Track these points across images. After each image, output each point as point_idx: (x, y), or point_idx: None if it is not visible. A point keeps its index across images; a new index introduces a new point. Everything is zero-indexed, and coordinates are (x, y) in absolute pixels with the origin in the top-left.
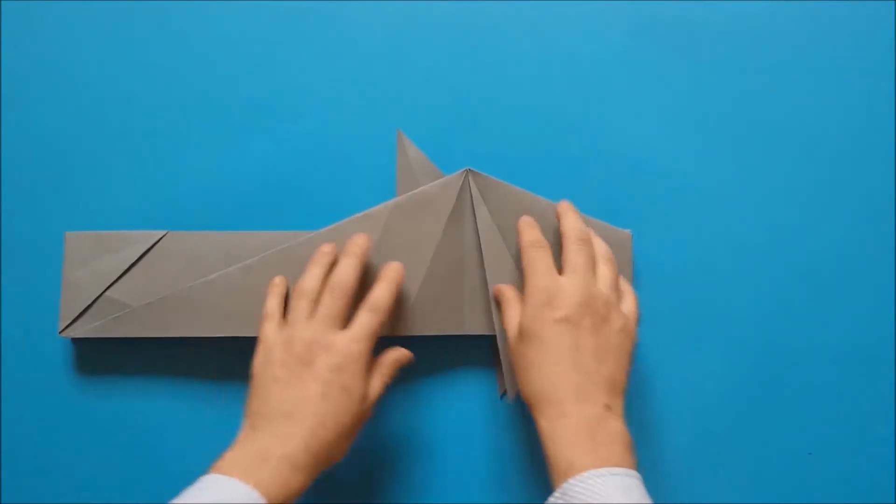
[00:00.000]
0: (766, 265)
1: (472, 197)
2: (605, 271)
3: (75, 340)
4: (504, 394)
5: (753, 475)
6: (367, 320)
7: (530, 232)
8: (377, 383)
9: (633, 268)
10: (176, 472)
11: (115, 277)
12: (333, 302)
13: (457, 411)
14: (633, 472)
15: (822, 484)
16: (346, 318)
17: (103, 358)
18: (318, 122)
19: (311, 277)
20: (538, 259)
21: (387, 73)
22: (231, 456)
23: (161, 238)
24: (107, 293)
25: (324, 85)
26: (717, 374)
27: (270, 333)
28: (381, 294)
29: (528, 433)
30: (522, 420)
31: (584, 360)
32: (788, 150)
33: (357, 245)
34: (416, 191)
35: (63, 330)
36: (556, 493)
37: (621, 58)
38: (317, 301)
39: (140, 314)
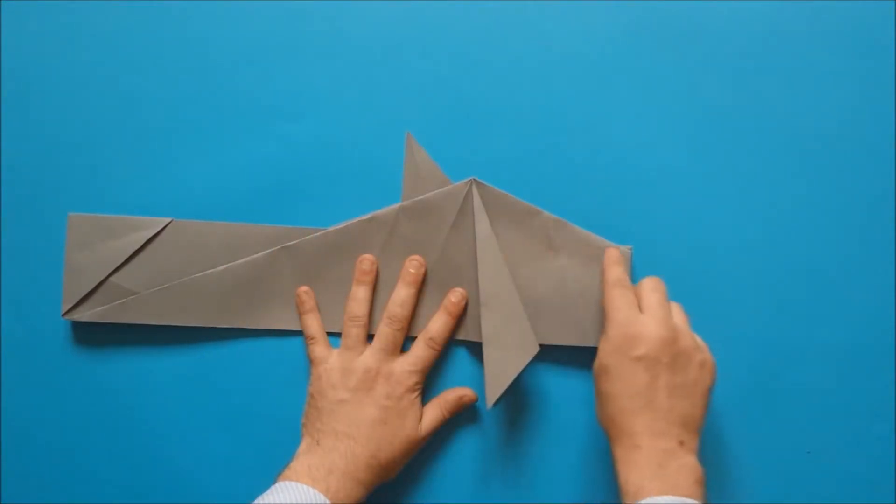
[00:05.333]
0: (765, 265)
1: (474, 207)
2: (678, 311)
3: (77, 323)
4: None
5: (752, 474)
6: (424, 353)
7: (615, 269)
8: (436, 414)
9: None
10: (175, 453)
11: (118, 263)
12: (391, 332)
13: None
14: None
15: (821, 483)
16: (402, 345)
17: (104, 340)
18: (327, 123)
19: (361, 302)
20: (620, 296)
21: (392, 74)
22: (298, 466)
23: (166, 226)
24: (110, 279)
25: (333, 85)
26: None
27: (324, 356)
28: (440, 329)
29: (524, 434)
30: (517, 421)
31: (660, 397)
32: (788, 151)
33: (413, 275)
34: (422, 196)
35: (66, 313)
36: None
37: (623, 58)
38: (367, 326)
39: (145, 301)
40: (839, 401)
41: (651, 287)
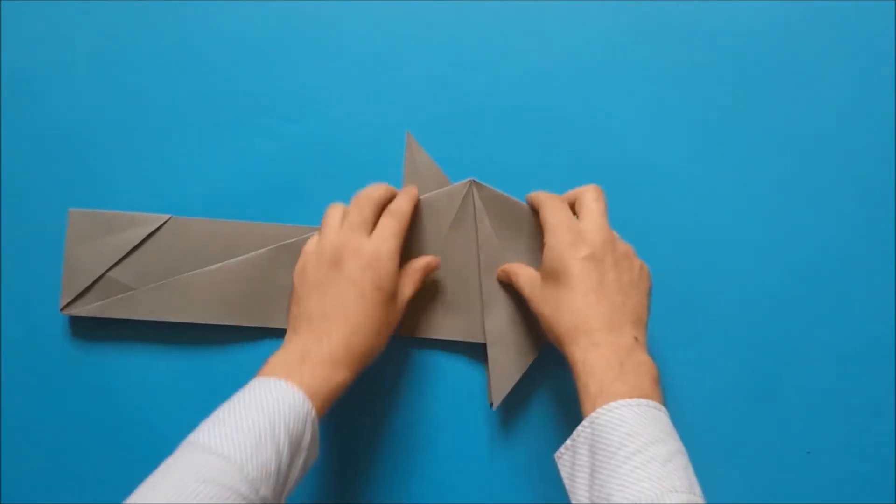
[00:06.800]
0: (765, 264)
1: (474, 208)
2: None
3: (75, 317)
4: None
5: (752, 474)
6: (388, 222)
7: (548, 193)
8: (408, 286)
9: None
10: (172, 450)
11: (117, 258)
12: (359, 210)
13: (451, 412)
14: (660, 406)
15: (821, 483)
16: (373, 227)
17: (102, 335)
18: (327, 123)
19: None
20: (556, 207)
21: (392, 74)
22: (274, 360)
23: (165, 222)
24: (108, 274)
25: (333, 85)
26: (715, 373)
27: (308, 247)
28: (400, 202)
29: (527, 433)
30: (520, 421)
31: (611, 293)
32: (788, 150)
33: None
34: (422, 196)
35: (64, 308)
36: (585, 422)
37: (623, 58)
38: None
39: (142, 297)
40: (839, 401)
41: (593, 196)
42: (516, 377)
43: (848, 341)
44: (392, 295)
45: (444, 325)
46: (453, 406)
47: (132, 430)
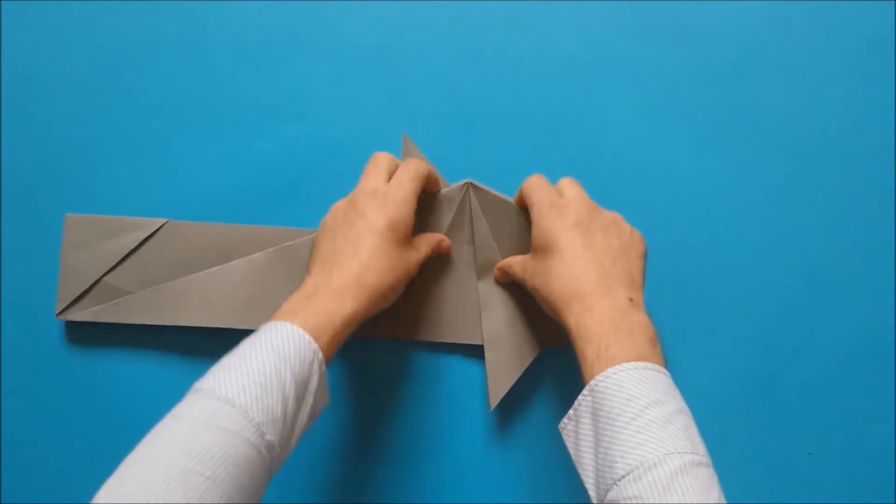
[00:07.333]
0: (765, 264)
1: (471, 210)
2: None
3: (71, 322)
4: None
5: (752, 475)
6: (407, 166)
7: (530, 176)
8: (423, 247)
9: None
10: None
11: (113, 263)
12: (375, 162)
13: (449, 413)
14: (659, 367)
15: (822, 484)
16: (390, 176)
17: (99, 340)
18: (322, 123)
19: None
20: (539, 184)
21: (390, 74)
22: (285, 304)
23: (161, 226)
24: (105, 278)
25: (333, 85)
26: (715, 373)
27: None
28: (413, 159)
29: (524, 435)
30: (518, 422)
31: (600, 256)
32: (789, 150)
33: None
34: None
35: (60, 312)
36: (585, 391)
37: (623, 58)
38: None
39: (138, 301)
40: (840, 401)
41: (569, 182)
42: (514, 379)
43: (849, 341)
44: (406, 238)
45: (442, 328)
46: (450, 407)
47: (129, 434)
